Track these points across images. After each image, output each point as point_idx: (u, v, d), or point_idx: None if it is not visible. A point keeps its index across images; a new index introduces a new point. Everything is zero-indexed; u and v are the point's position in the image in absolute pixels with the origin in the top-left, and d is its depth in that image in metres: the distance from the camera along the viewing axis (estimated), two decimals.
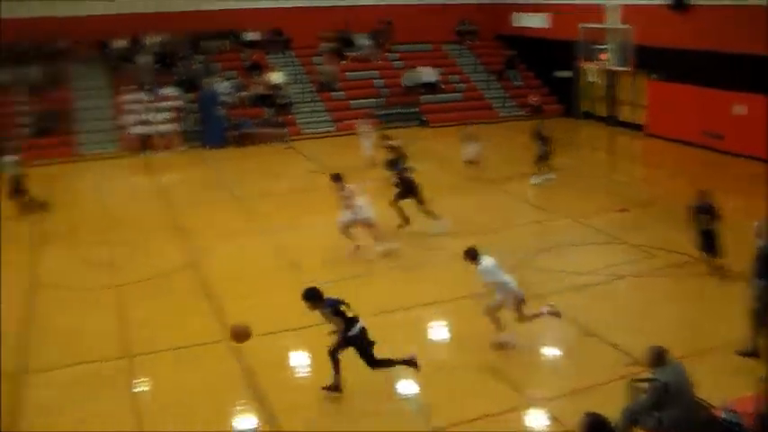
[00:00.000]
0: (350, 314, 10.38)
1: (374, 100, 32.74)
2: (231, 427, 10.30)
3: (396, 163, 18.81)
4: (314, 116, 32.07)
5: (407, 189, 17.76)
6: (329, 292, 11.07)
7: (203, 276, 15.70)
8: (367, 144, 24.43)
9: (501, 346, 11.79)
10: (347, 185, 16.17)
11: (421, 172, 18.97)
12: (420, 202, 17.75)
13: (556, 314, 12.00)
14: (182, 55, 32.93)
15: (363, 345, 10.37)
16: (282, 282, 15.13)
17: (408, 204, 17.78)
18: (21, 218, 20.39)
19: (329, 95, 33.13)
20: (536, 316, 11.96)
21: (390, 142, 21.75)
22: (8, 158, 20.90)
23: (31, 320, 13.89)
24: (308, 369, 11.90)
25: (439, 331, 13.18)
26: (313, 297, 10.28)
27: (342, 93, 33.34)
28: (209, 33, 34.01)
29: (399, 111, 32.43)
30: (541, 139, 22.14)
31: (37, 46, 30.92)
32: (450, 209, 18.81)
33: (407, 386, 10.98)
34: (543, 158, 22.00)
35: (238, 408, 10.60)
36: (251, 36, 34.90)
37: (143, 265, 16.56)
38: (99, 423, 10.28)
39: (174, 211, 21.03)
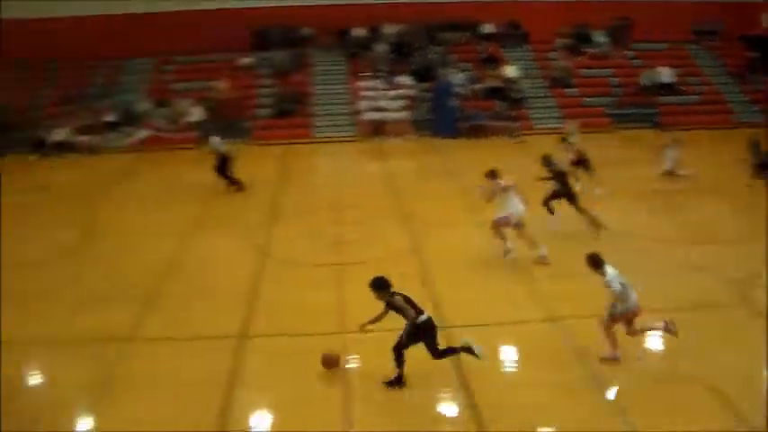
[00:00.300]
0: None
1: (607, 99, 32.11)
2: (432, 412, 10.61)
3: (552, 162, 17.56)
4: (546, 112, 31.78)
5: (564, 189, 17.18)
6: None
7: (423, 263, 16.09)
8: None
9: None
10: (500, 181, 15.67)
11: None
12: (548, 205, 17.44)
13: (672, 332, 11.50)
14: (418, 45, 33.66)
15: (431, 334, 10.63)
16: (499, 275, 15.25)
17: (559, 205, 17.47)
18: (249, 193, 21.88)
19: (562, 92, 32.79)
20: (650, 329, 11.52)
21: (570, 141, 21.47)
22: (216, 139, 22.16)
23: (256, 290, 14.84)
24: (515, 363, 12.04)
25: (652, 341, 12.79)
26: (380, 287, 10.64)
27: (575, 90, 32.90)
28: (446, 24, 34.55)
29: (634, 111, 31.54)
30: (757, 149, 21.02)
31: (284, 32, 32.76)
32: (667, 215, 18.24)
33: (611, 391, 10.93)
34: (762, 169, 20.88)
35: (442, 395, 10.89)
36: (488, 29, 35.08)
37: (366, 246, 17.20)
38: (310, 398, 10.85)
39: (402, 197, 21.63)
